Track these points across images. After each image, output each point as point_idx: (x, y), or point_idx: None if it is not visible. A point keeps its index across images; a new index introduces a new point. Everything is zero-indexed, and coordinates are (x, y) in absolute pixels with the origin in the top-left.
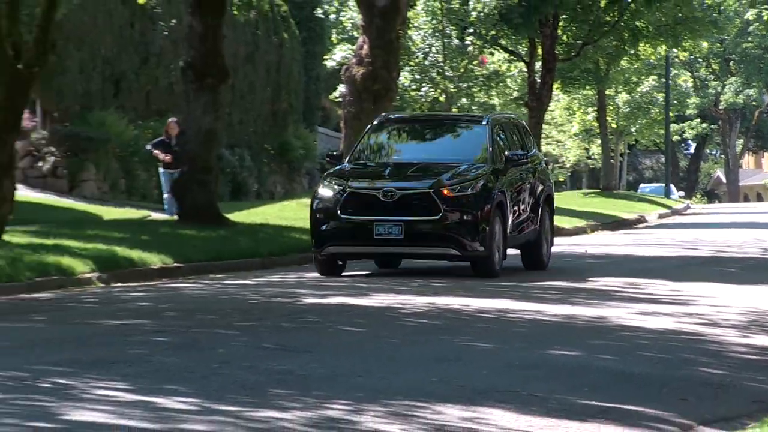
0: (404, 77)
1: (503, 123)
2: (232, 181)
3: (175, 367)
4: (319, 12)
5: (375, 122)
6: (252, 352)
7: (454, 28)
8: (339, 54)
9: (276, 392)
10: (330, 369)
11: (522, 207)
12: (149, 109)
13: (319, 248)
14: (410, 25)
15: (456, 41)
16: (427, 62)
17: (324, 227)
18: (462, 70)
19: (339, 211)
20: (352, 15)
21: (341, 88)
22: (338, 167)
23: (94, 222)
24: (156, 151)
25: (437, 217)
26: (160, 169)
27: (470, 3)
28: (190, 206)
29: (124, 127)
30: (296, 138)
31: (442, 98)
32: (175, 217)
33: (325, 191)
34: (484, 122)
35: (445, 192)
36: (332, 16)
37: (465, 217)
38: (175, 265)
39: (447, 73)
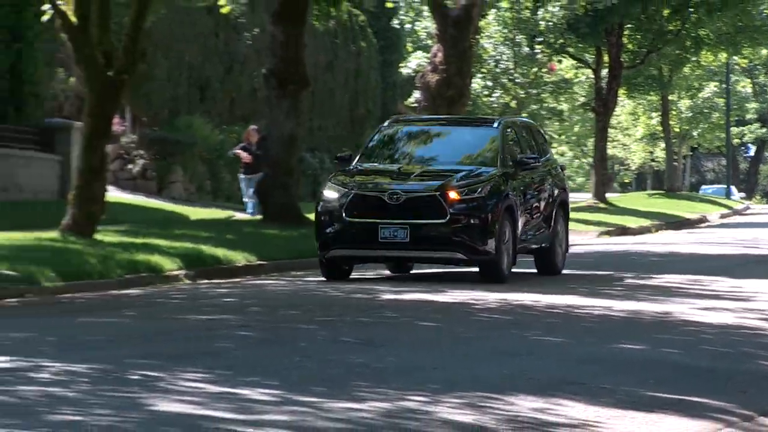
0: (476, 83)
1: (516, 126)
2: (312, 183)
3: (259, 360)
4: (395, 22)
5: (385, 123)
6: (331, 346)
7: (524, 36)
8: (414, 62)
9: (354, 384)
10: (406, 362)
11: (534, 211)
12: (233, 114)
13: (323, 251)
14: (482, 34)
15: (526, 49)
16: (498, 69)
17: (328, 230)
18: (532, 77)
19: (344, 214)
20: (427, 25)
21: (416, 94)
22: (345, 169)
23: (181, 222)
24: (238, 150)
25: (444, 220)
26: (240, 175)
27: (539, 13)
28: (272, 207)
29: (210, 131)
30: None
31: (513, 104)
32: (259, 216)
33: (331, 193)
34: (495, 125)
35: (452, 194)
36: (408, 26)
37: (472, 221)
38: (259, 262)
39: (517, 80)
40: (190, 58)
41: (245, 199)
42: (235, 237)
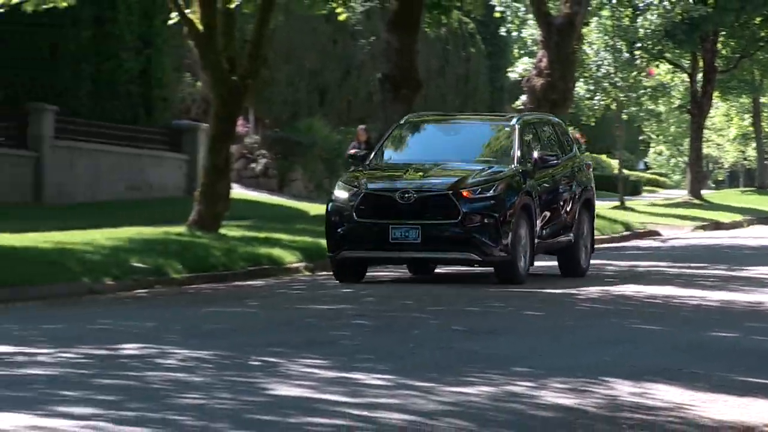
0: (579, 87)
1: (536, 123)
2: None
3: (373, 347)
4: (502, 30)
5: (401, 122)
6: (442, 334)
7: (623, 43)
8: (520, 67)
9: (463, 370)
10: (512, 349)
11: (554, 210)
12: (350, 116)
13: (333, 252)
14: (584, 41)
15: (626, 55)
16: (599, 74)
17: (339, 230)
18: (631, 81)
19: (354, 214)
20: (533, 32)
21: (523, 97)
22: (357, 168)
23: (301, 217)
24: (353, 151)
25: (456, 220)
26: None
27: (638, 21)
28: None
29: (328, 132)
30: None
31: (613, 106)
32: None
33: (341, 193)
34: (513, 122)
35: (465, 193)
36: (514, 33)
37: (486, 220)
38: None
39: (618, 84)
40: (310, 64)
41: None
42: None
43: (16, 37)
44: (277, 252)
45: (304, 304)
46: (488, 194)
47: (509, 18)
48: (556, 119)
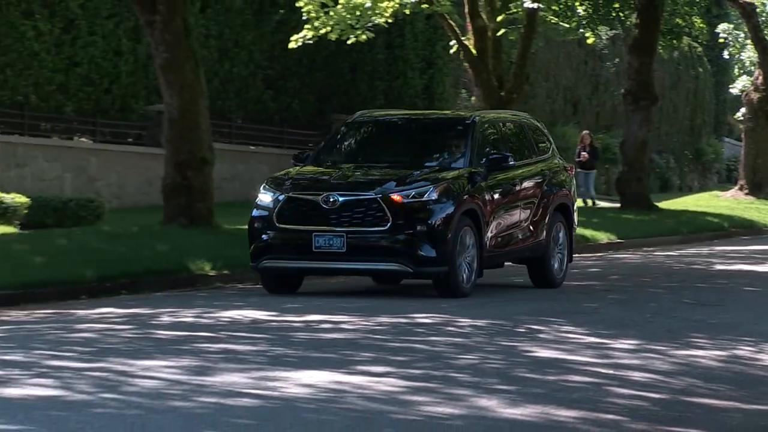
0: None
1: (498, 122)
2: (660, 178)
3: (619, 317)
4: (725, 53)
5: (349, 120)
6: (675, 306)
7: None
8: (740, 84)
9: (693, 336)
10: (734, 319)
11: (514, 216)
12: (598, 125)
13: (254, 262)
14: None
15: None
16: None
17: (261, 237)
18: None
19: (275, 220)
20: (750, 55)
21: (742, 109)
22: (285, 170)
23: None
24: (584, 153)
25: (385, 228)
26: (577, 169)
27: None
28: (628, 197)
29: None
30: (708, 146)
31: None
32: (590, 203)
33: (265, 196)
34: (468, 121)
35: (395, 198)
36: (735, 56)
37: (419, 228)
38: (618, 240)
39: None
40: (565, 81)
41: (581, 189)
42: (599, 220)
43: (323, 59)
44: None
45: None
46: (423, 199)
47: (731, 43)
48: (531, 119)
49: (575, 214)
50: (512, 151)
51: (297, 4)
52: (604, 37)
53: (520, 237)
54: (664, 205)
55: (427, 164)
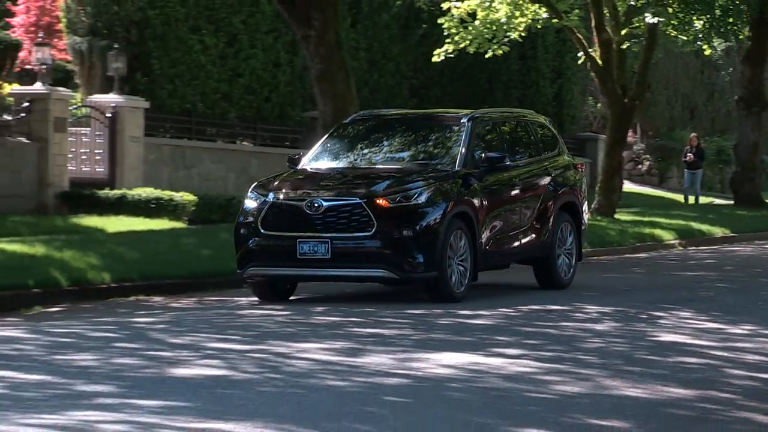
0: None
1: (497, 121)
2: None
3: (733, 304)
4: None
5: (344, 120)
6: None
7: None
8: None
9: None
10: None
11: (514, 217)
12: (713, 129)
13: (241, 269)
14: None
15: None
16: None
17: (246, 244)
18: None
19: (260, 226)
20: None
21: None
22: (274, 174)
23: (676, 206)
24: (690, 154)
25: (369, 233)
26: (685, 169)
27: None
28: (742, 195)
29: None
30: None
31: None
32: (691, 200)
33: (251, 202)
34: (463, 120)
35: (381, 202)
36: None
37: (405, 232)
38: (732, 234)
39: None
40: (683, 89)
41: (685, 186)
42: (714, 216)
43: (463, 70)
44: (657, 231)
45: (678, 271)
46: (409, 203)
47: None
48: (535, 117)
49: (585, 213)
50: (513, 151)
51: (439, 21)
52: (719, 49)
53: (521, 238)
54: None
55: (420, 165)
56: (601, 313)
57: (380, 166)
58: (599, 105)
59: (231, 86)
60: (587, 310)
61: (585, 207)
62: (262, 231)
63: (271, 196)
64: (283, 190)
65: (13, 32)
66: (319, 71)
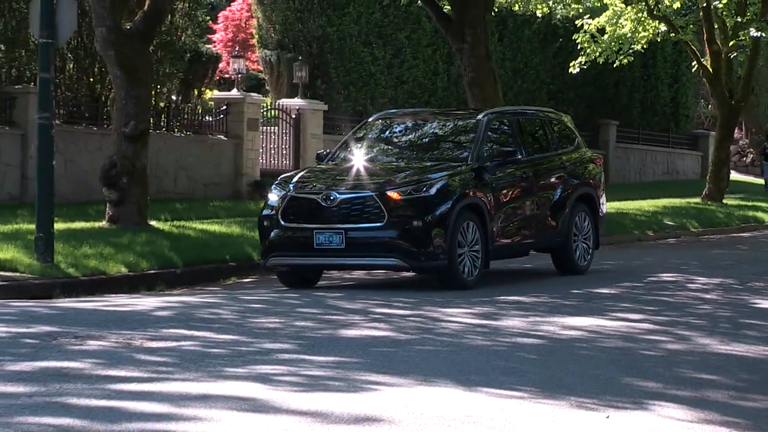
0: None
1: (512, 118)
2: None
3: None
4: None
5: (368, 119)
6: None
7: None
8: None
9: None
10: None
11: (527, 208)
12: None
13: (264, 259)
14: None
15: None
16: None
17: (268, 235)
18: None
19: (281, 218)
20: None
21: None
22: (297, 170)
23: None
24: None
25: (381, 224)
26: (763, 161)
27: None
28: None
29: None
30: None
31: None
32: None
33: (273, 196)
34: (479, 116)
35: (393, 195)
36: None
37: (415, 223)
38: None
39: None
40: None
41: (766, 176)
42: None
43: (593, 77)
44: (759, 214)
45: None
46: (420, 195)
47: None
48: (556, 114)
49: (603, 205)
50: (529, 146)
51: (573, 36)
52: None
53: (535, 227)
54: None
55: (435, 160)
56: (711, 283)
57: (397, 162)
58: (710, 106)
59: (396, 91)
60: (699, 281)
61: (603, 198)
62: (282, 223)
63: (291, 189)
64: (302, 184)
65: (214, 46)
66: (471, 79)
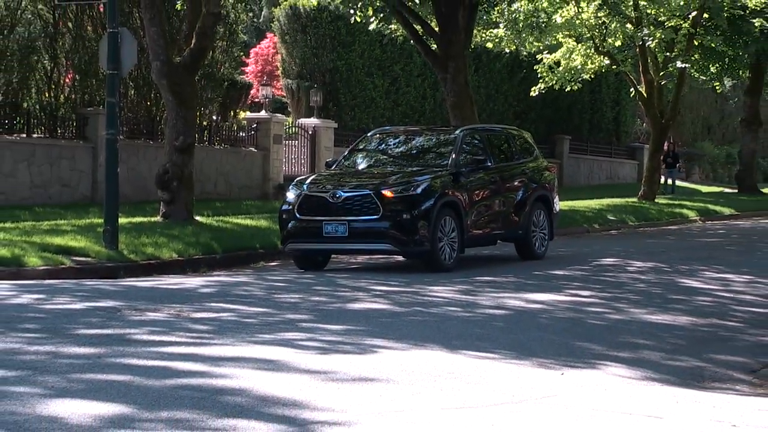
0: None
1: (484, 133)
2: (762, 173)
3: (735, 260)
4: None
5: (367, 134)
6: None
7: None
8: None
9: None
10: None
11: (495, 206)
12: (724, 140)
13: (283, 245)
14: None
15: None
16: None
17: (286, 226)
18: None
19: (297, 212)
20: None
21: None
22: (310, 173)
23: (699, 194)
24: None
25: (377, 217)
26: (666, 169)
27: None
28: (743, 186)
29: (712, 149)
30: None
31: None
32: (670, 194)
33: (290, 194)
34: (456, 132)
35: (387, 193)
36: None
37: (404, 216)
38: (736, 213)
39: None
40: (703, 113)
41: (669, 182)
42: (724, 200)
43: (551, 100)
44: (684, 211)
45: (699, 238)
46: (408, 194)
47: None
48: (519, 131)
49: (556, 204)
50: (497, 156)
51: (535, 67)
52: (728, 85)
53: (501, 221)
54: (766, 190)
55: (421, 166)
56: (647, 267)
57: (390, 168)
58: (644, 124)
59: (393, 112)
60: (636, 265)
61: (557, 199)
62: (298, 216)
63: (305, 189)
64: (314, 185)
65: (247, 76)
66: (453, 102)
